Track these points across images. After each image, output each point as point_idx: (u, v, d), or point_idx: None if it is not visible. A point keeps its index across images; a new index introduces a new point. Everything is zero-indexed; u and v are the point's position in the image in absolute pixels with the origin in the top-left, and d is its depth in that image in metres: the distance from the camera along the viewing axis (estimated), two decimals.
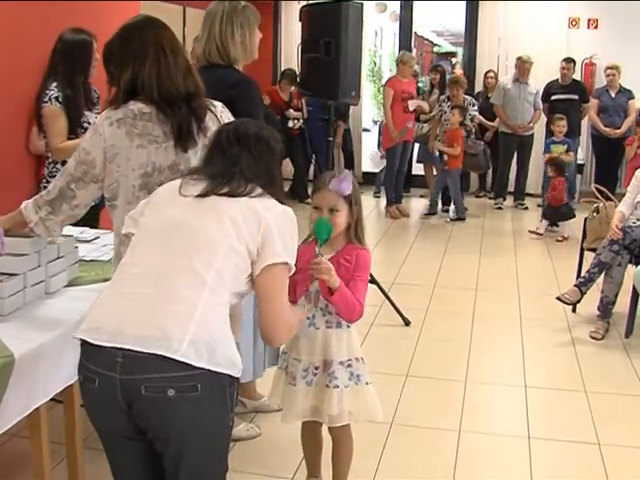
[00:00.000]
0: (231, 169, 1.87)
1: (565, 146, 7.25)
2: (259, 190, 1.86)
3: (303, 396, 2.38)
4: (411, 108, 7.57)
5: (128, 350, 1.64)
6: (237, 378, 1.77)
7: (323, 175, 2.42)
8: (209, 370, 1.67)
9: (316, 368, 2.38)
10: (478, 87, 8.98)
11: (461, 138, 7.60)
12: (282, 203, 1.89)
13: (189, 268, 1.73)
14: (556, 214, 6.98)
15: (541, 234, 6.96)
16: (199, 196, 1.83)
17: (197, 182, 1.87)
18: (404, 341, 4.27)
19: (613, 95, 8.07)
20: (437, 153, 7.91)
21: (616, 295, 4.43)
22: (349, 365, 2.38)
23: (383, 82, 10.05)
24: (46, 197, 2.27)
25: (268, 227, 1.79)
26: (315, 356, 2.38)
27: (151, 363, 1.63)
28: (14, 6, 3.88)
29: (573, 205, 8.02)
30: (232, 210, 1.80)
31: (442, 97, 8.15)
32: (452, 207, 8.02)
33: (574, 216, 6.84)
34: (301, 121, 8.00)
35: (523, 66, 8.08)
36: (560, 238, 6.81)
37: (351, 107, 8.53)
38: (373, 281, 4.78)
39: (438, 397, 3.56)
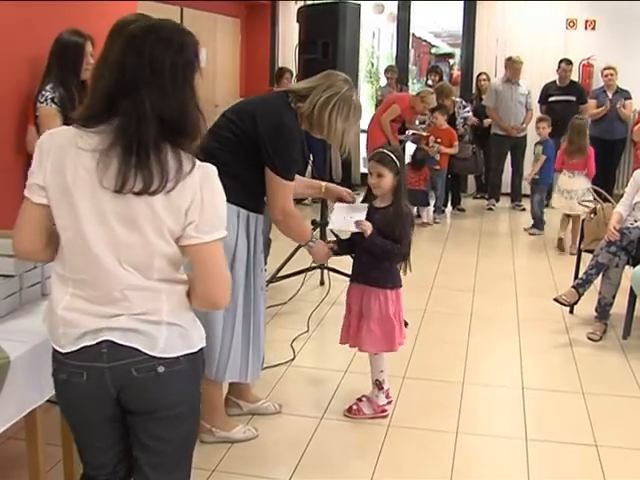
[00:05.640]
0: None
1: (540, 147, 7.01)
2: None
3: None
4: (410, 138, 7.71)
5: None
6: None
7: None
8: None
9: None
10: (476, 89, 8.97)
11: (453, 136, 7.56)
12: None
13: None
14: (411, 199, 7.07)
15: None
16: None
17: None
18: None
19: (610, 96, 8.07)
20: (438, 156, 7.85)
21: (614, 296, 4.43)
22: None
23: (381, 83, 10.06)
24: None
25: None
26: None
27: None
28: (11, 6, 3.88)
29: None
30: None
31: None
32: (449, 208, 8.07)
33: (428, 204, 7.46)
34: None
35: (513, 66, 8.04)
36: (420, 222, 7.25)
37: None
38: None
39: (435, 398, 3.56)
